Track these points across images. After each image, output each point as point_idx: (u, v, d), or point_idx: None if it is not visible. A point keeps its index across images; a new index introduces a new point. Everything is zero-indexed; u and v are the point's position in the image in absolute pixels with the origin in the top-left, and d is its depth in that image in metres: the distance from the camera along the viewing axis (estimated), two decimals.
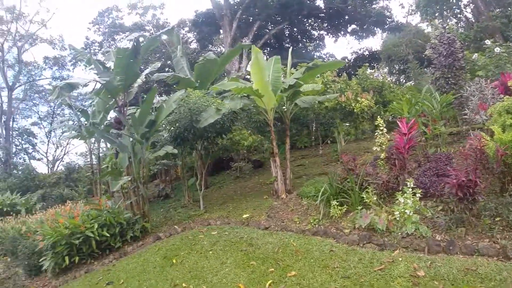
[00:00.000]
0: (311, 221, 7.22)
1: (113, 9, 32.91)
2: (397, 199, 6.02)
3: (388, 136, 8.82)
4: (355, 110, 12.95)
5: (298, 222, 7.48)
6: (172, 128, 9.65)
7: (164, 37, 17.54)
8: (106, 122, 11.69)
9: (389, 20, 26.78)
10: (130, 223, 8.95)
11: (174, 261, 6.88)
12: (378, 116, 9.84)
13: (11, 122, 33.90)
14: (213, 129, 9.85)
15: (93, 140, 14.94)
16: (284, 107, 10.79)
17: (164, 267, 6.79)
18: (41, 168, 38.49)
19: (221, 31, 27.40)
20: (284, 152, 10.67)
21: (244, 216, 8.65)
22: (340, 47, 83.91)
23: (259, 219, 8.25)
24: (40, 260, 8.49)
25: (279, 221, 7.84)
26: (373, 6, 26.09)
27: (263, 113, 10.18)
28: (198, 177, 11.02)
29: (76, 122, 15.87)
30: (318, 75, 13.42)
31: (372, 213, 6.18)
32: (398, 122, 7.60)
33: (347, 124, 14.84)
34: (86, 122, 14.88)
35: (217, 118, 9.21)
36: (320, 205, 7.35)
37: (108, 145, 19.40)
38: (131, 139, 9.30)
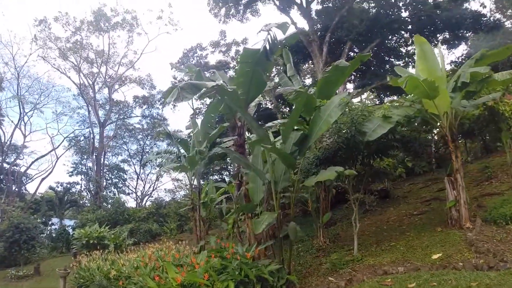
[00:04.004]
0: None
1: (197, 47, 32.43)
2: None
3: None
4: (506, 114, 9.66)
5: None
6: (327, 143, 6.75)
7: None
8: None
9: (484, 19, 22.30)
10: (274, 277, 5.91)
11: None
12: None
13: (102, 158, 34.01)
14: (373, 145, 6.87)
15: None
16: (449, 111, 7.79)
17: None
18: (130, 203, 38.00)
19: (308, 59, 25.29)
20: (453, 170, 7.59)
21: (434, 256, 6.32)
22: None
23: (462, 257, 6.07)
24: None
25: (496, 257, 5.73)
26: (466, 6, 22.12)
27: (435, 120, 7.58)
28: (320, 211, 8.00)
29: (175, 153, 14.00)
30: None
31: None
32: None
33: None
34: (185, 154, 12.97)
35: (390, 128, 6.27)
36: None
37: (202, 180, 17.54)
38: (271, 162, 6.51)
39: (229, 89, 6.61)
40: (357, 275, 6.20)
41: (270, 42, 6.80)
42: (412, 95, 7.82)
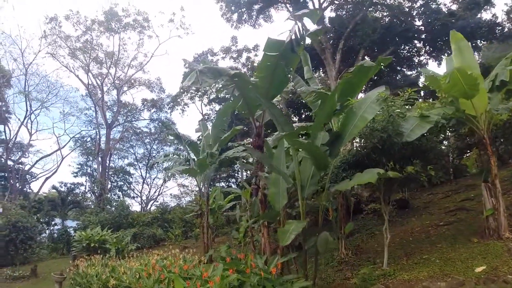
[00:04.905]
0: None
1: (208, 52, 31.81)
2: None
3: None
4: None
5: None
6: (359, 145, 6.03)
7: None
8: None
9: (498, 28, 21.62)
10: None
11: None
12: None
13: (108, 160, 33.28)
14: (409, 147, 6.14)
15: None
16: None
17: None
18: (134, 206, 37.14)
19: (320, 67, 24.69)
20: (491, 177, 7.00)
21: (478, 269, 5.78)
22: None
23: (510, 270, 5.46)
24: None
25: None
26: (481, 15, 21.61)
27: (472, 121, 6.85)
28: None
29: (184, 156, 13.27)
30: None
31: None
32: None
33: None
34: (194, 158, 12.28)
35: (429, 128, 5.59)
36: None
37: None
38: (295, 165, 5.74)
39: (252, 81, 5.93)
40: None
41: (297, 32, 6.14)
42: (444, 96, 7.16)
